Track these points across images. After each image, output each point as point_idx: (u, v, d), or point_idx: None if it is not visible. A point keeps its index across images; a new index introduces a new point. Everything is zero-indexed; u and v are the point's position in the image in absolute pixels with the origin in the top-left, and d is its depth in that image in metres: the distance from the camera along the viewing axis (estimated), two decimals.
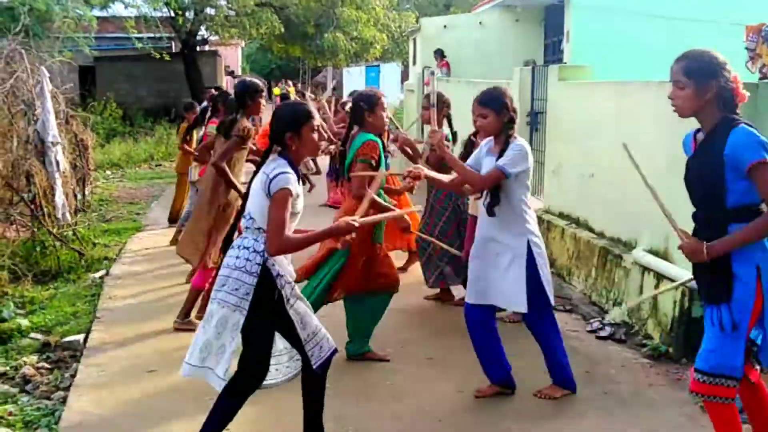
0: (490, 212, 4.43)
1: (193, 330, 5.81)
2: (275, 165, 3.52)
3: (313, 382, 3.74)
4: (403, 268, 7.56)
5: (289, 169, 3.49)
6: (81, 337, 5.73)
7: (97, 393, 4.74)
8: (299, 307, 3.63)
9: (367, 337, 5.28)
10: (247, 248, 3.54)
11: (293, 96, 24.35)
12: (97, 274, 7.54)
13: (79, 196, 10.36)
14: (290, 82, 30.10)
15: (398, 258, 7.88)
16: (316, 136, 3.65)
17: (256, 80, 6.12)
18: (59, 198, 8.15)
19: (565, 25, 16.52)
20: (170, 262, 8.04)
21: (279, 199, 3.42)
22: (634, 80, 7.02)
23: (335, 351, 3.77)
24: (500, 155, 4.43)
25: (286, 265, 3.65)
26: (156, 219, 10.64)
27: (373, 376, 5.00)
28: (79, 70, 22.84)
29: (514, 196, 4.43)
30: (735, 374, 3.18)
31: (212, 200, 5.76)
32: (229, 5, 24.13)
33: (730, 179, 3.15)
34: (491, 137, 4.58)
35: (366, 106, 5.07)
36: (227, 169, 5.62)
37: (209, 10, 24.37)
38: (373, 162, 4.94)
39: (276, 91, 31.24)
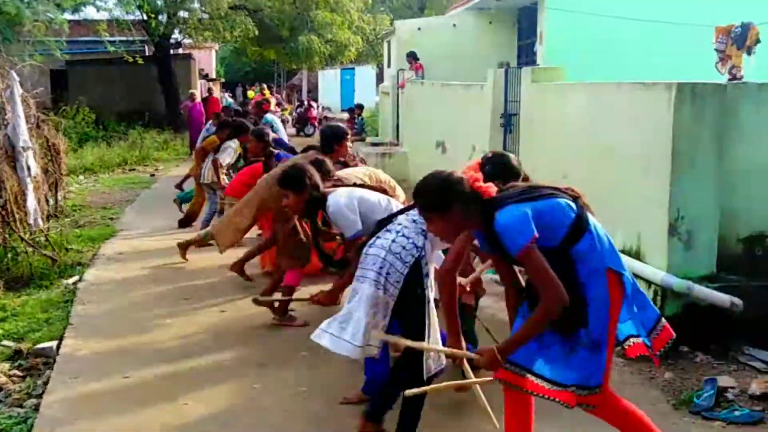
0: None
1: (291, 325, 5.96)
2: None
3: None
4: None
5: None
6: (54, 344, 5.66)
7: (70, 400, 4.69)
8: (435, 315, 3.76)
9: None
10: (407, 237, 3.74)
11: (272, 100, 24.27)
12: (71, 280, 7.45)
13: (52, 202, 10.26)
14: (265, 86, 29.96)
15: None
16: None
17: (342, 126, 6.46)
18: (31, 203, 8.07)
19: (538, 27, 16.63)
20: (144, 267, 7.99)
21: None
22: (606, 82, 7.08)
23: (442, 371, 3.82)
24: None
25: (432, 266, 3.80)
26: (130, 223, 10.55)
27: (351, 377, 4.99)
28: (51, 74, 22.66)
29: None
30: (599, 380, 3.21)
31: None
32: (203, 8, 24.01)
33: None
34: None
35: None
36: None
37: (182, 13, 24.25)
38: None
39: (250, 94, 31.13)
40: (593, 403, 3.23)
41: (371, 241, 3.88)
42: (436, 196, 3.16)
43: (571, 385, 3.18)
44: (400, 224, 3.85)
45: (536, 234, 3.02)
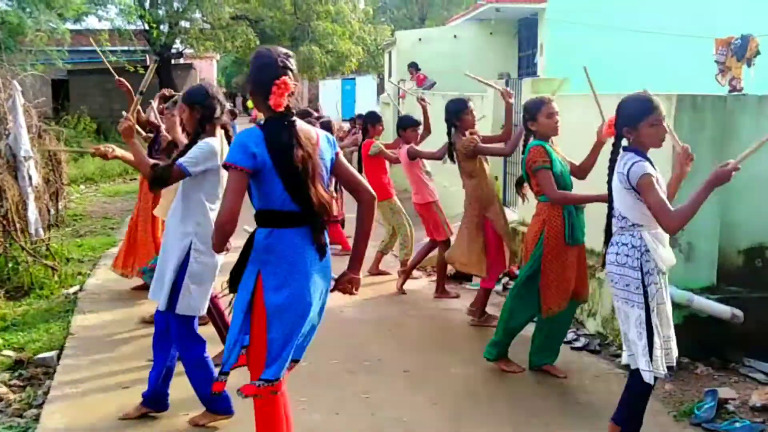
0: None
1: (493, 325, 5.93)
2: (624, 160, 3.75)
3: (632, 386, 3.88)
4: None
5: (638, 158, 3.70)
6: (54, 353, 5.66)
7: (70, 410, 4.69)
8: (659, 312, 3.75)
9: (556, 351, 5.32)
10: (626, 245, 3.77)
11: None
12: (71, 290, 7.46)
13: (53, 211, 10.27)
14: None
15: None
16: (654, 130, 3.79)
17: (462, 98, 6.70)
18: (32, 213, 8.07)
19: (538, 38, 16.69)
20: None
21: (646, 186, 3.60)
22: (605, 93, 7.09)
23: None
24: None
25: (663, 255, 3.75)
26: None
27: (349, 388, 4.99)
28: (53, 83, 22.71)
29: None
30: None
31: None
32: (204, 18, 24.13)
33: None
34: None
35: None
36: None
37: (184, 23, 24.37)
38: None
39: (250, 104, 31.16)
40: None
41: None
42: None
43: None
44: (616, 234, 3.88)
45: None
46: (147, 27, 22.16)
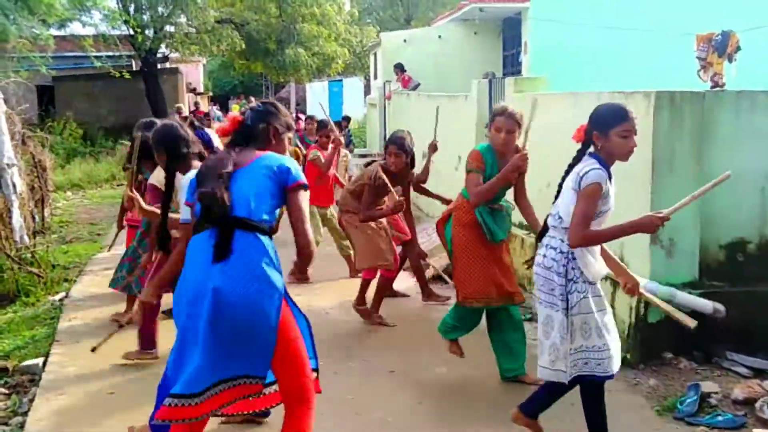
0: None
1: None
2: (586, 163, 3.66)
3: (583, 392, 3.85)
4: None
5: (599, 166, 3.61)
6: (40, 360, 5.65)
7: (55, 417, 4.68)
8: (577, 321, 3.66)
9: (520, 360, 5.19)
10: (554, 248, 3.70)
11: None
12: (57, 297, 7.44)
13: (38, 218, 10.24)
14: (252, 99, 29.89)
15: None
16: (623, 141, 3.69)
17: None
18: (16, 220, 8.06)
19: (522, 37, 16.75)
20: None
21: (588, 194, 3.55)
22: (587, 91, 7.14)
23: (605, 378, 3.75)
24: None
25: (590, 264, 3.68)
26: (118, 240, 10.51)
27: (335, 389, 5.00)
28: (38, 89, 22.60)
29: None
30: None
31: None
32: (189, 22, 24.05)
33: None
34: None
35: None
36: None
37: (169, 28, 24.27)
38: None
39: (235, 107, 30.99)
40: None
41: None
42: None
43: None
44: (548, 236, 3.81)
45: None
46: (132, 32, 22.08)
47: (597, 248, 3.74)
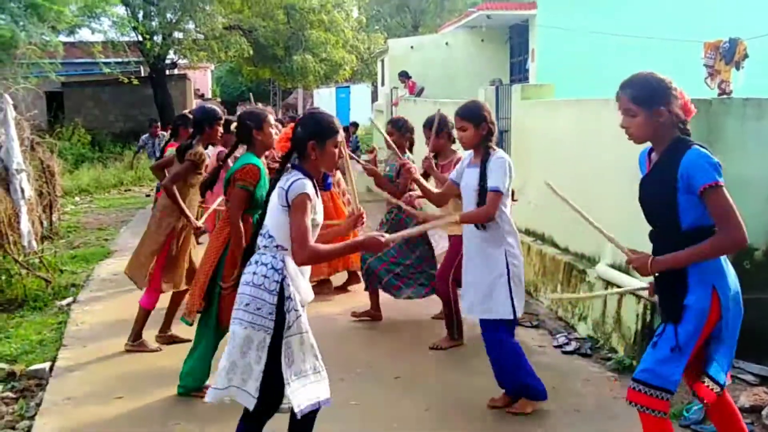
0: (483, 227, 4.56)
1: (146, 351, 5.92)
2: (289, 176, 3.40)
3: (294, 424, 3.55)
4: (344, 289, 7.75)
5: (304, 176, 3.38)
6: (47, 365, 5.68)
7: (62, 421, 4.70)
8: (295, 341, 3.40)
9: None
10: (266, 265, 3.41)
11: None
12: (64, 302, 7.47)
13: (46, 223, 10.29)
14: (260, 105, 29.96)
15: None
16: (337, 152, 3.52)
17: (215, 107, 6.01)
18: (24, 226, 8.09)
19: (530, 44, 16.77)
20: (139, 288, 8.00)
21: (298, 205, 3.31)
22: (594, 98, 7.15)
23: (319, 406, 3.47)
24: (482, 167, 4.55)
25: (302, 286, 3.49)
26: (125, 244, 10.56)
27: (339, 396, 4.99)
28: (47, 96, 22.74)
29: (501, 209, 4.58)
30: (671, 388, 3.22)
31: (160, 222, 5.86)
32: (198, 29, 24.16)
33: (683, 201, 3.16)
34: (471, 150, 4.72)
35: (253, 124, 4.84)
36: (176, 192, 5.65)
37: (177, 34, 24.38)
38: (251, 188, 4.73)
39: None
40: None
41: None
42: (653, 93, 3.22)
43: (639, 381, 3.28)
44: (258, 253, 3.50)
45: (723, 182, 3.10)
46: (140, 38, 22.19)
47: (307, 269, 3.55)
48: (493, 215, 4.50)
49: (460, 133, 4.68)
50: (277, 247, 3.42)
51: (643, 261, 3.27)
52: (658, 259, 3.22)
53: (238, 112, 5.24)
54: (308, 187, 3.35)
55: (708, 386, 3.27)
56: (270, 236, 3.44)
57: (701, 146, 3.19)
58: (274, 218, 3.42)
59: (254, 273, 3.43)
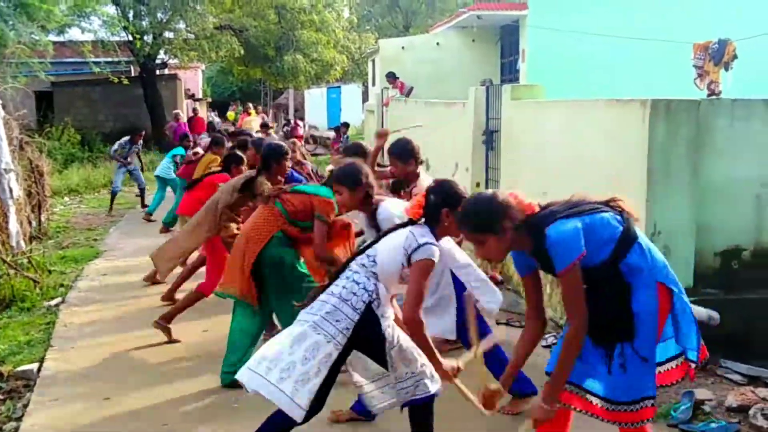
0: None
1: (167, 336, 6.08)
2: (424, 232, 3.54)
3: (414, 415, 3.81)
4: None
5: (436, 242, 3.53)
6: (35, 366, 5.65)
7: (50, 422, 4.68)
8: (400, 347, 3.64)
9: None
10: (358, 283, 3.54)
11: (255, 120, 24.13)
12: (53, 302, 7.43)
13: (35, 224, 10.24)
14: (250, 105, 29.89)
15: None
16: None
17: (282, 144, 6.17)
18: (13, 225, 8.06)
19: (520, 44, 16.80)
20: (128, 288, 7.98)
21: (424, 268, 3.46)
22: (583, 99, 7.17)
23: (432, 396, 3.75)
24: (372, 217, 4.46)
25: (388, 317, 3.64)
26: (114, 245, 10.54)
27: (338, 401, 4.99)
28: (36, 95, 22.63)
29: None
30: (653, 392, 3.16)
31: (197, 230, 5.97)
32: (188, 29, 24.09)
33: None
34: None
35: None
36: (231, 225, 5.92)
37: (168, 34, 24.31)
38: (329, 220, 4.97)
39: (230, 115, 30.88)
40: (631, 420, 3.16)
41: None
42: (490, 218, 3.10)
43: (621, 402, 3.14)
44: (350, 270, 3.65)
45: (584, 251, 3.00)
46: (131, 38, 22.11)
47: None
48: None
49: (337, 196, 4.46)
50: (374, 274, 3.57)
51: (539, 408, 3.15)
52: (544, 398, 3.13)
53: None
54: (437, 254, 3.50)
55: (671, 368, 3.30)
56: (374, 262, 3.58)
57: (559, 216, 3.08)
58: (389, 254, 3.56)
59: (344, 287, 3.55)
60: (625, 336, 3.10)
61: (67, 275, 8.63)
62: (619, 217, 3.17)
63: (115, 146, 13.95)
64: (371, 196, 4.38)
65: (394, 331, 3.61)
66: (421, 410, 3.79)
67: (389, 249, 3.57)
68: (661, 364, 3.27)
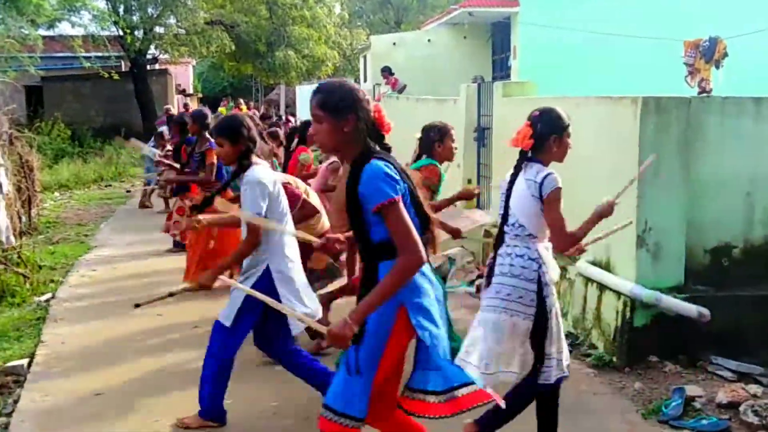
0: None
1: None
2: (537, 169, 3.70)
3: (542, 400, 3.85)
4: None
5: (552, 171, 3.68)
6: (25, 361, 5.62)
7: (40, 418, 4.66)
8: (555, 321, 3.71)
9: None
10: (521, 256, 3.67)
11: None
12: (43, 297, 7.40)
13: (25, 219, 10.20)
14: (241, 101, 29.78)
15: None
16: (567, 144, 3.82)
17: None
18: (2, 221, 8.02)
19: (512, 41, 16.82)
20: (118, 283, 7.96)
21: (555, 200, 3.61)
22: (574, 96, 7.17)
23: (562, 379, 3.82)
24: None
25: (553, 270, 3.74)
26: (104, 240, 10.50)
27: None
28: (26, 90, 22.51)
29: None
30: (356, 414, 2.95)
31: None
32: (179, 24, 24.03)
33: (368, 216, 2.89)
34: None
35: (437, 137, 5.38)
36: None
37: (159, 29, 24.24)
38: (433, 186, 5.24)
39: (222, 111, 30.76)
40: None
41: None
42: (341, 98, 2.91)
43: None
44: (505, 242, 3.76)
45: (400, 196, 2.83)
46: (121, 33, 22.02)
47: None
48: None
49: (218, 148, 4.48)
50: (529, 236, 3.68)
51: (338, 328, 2.79)
52: (352, 317, 2.80)
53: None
54: (560, 181, 3.64)
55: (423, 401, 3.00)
56: (521, 225, 3.69)
57: (382, 158, 2.90)
58: (525, 209, 3.68)
59: (511, 265, 3.67)
60: (356, 337, 2.89)
61: (57, 271, 8.60)
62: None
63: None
64: (251, 151, 4.39)
65: (554, 302, 3.71)
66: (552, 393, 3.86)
67: (520, 201, 3.70)
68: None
